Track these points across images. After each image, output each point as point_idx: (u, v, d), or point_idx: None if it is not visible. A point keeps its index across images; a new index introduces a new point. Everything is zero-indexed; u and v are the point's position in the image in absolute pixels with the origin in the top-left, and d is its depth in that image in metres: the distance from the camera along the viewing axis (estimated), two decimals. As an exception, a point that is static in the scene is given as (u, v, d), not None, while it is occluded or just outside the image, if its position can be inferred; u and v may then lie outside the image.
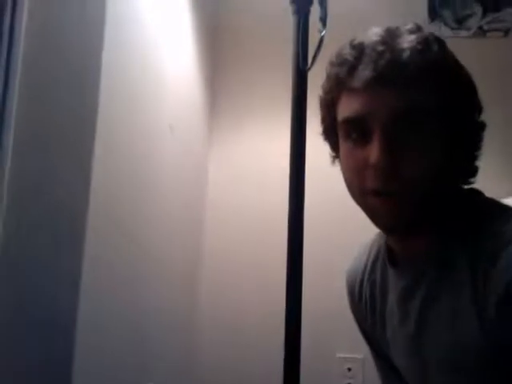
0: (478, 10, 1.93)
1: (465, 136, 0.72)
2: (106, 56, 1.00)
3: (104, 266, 1.03)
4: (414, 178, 0.68)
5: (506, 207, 0.72)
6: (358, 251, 0.94)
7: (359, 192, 0.73)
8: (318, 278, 1.69)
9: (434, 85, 0.69)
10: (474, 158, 0.74)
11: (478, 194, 0.76)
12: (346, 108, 0.72)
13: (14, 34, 0.79)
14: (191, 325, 1.83)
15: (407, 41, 0.69)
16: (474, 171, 0.75)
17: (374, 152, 0.67)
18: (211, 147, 2.02)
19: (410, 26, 0.72)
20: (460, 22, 1.93)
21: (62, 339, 0.88)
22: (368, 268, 0.88)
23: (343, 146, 0.75)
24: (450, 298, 0.69)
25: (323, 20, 1.06)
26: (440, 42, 0.72)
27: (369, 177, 0.69)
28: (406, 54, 0.67)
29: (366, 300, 0.89)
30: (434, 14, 1.94)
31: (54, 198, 0.90)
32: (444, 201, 0.72)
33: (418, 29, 0.72)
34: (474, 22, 1.94)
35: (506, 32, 1.93)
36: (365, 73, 0.68)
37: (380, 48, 0.68)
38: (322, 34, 1.06)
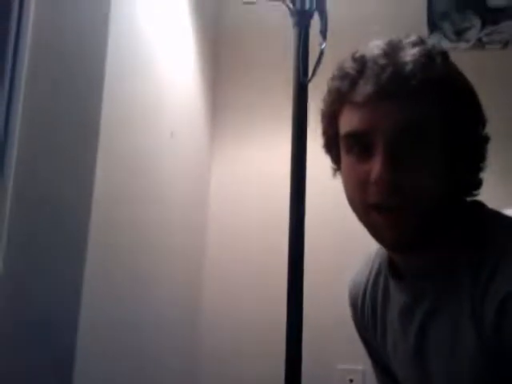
0: (477, 22, 1.95)
1: (468, 149, 0.71)
2: (109, 65, 1.02)
3: (105, 277, 1.03)
4: (417, 192, 0.67)
5: (508, 219, 0.72)
6: (361, 263, 0.93)
7: (361, 207, 0.72)
8: (318, 288, 1.69)
9: (437, 98, 0.68)
10: (478, 170, 0.73)
11: (480, 206, 0.75)
12: (348, 122, 0.71)
13: (19, 45, 0.80)
14: (192, 333, 1.83)
15: (410, 54, 0.68)
16: (478, 184, 0.74)
17: (376, 166, 0.66)
18: (213, 157, 2.03)
19: (412, 38, 0.72)
20: (459, 34, 1.95)
21: (63, 346, 0.88)
22: (371, 280, 0.88)
23: (345, 159, 0.74)
24: (451, 313, 0.68)
25: (323, 33, 1.08)
26: (443, 54, 0.71)
27: (371, 191, 0.68)
28: (408, 68, 0.66)
29: (367, 312, 0.88)
30: (433, 26, 1.96)
31: (57, 208, 0.90)
32: (447, 214, 0.71)
33: (421, 41, 0.71)
34: (472, 35, 1.95)
35: (505, 44, 1.95)
36: (367, 87, 0.67)
37: (382, 61, 0.67)
38: (323, 46, 1.07)
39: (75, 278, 0.91)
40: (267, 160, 1.98)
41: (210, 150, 2.00)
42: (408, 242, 0.70)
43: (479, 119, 0.73)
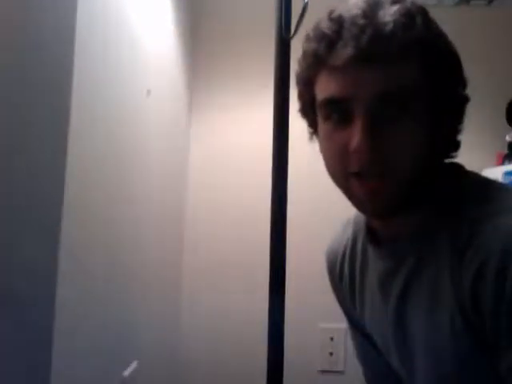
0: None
1: (450, 112, 0.70)
2: (80, 21, 0.96)
3: (82, 253, 1.01)
4: (398, 160, 0.65)
5: (487, 183, 0.71)
6: (337, 230, 0.92)
7: (340, 175, 0.69)
8: (301, 249, 1.70)
9: (419, 61, 0.65)
10: (458, 132, 0.72)
11: (459, 168, 0.74)
12: (326, 87, 0.67)
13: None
14: (175, 316, 1.83)
15: (389, 13, 0.64)
16: (456, 145, 0.73)
17: (356, 135, 0.64)
18: (191, 124, 1.99)
19: None
20: (444, -10, 1.91)
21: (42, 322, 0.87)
22: (348, 248, 0.87)
23: (322, 126, 0.71)
24: (431, 276, 0.68)
25: (307, -13, 1.03)
26: (423, 12, 0.67)
27: (351, 160, 0.66)
28: (388, 28, 0.63)
29: (345, 280, 0.88)
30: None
31: (26, 182, 0.87)
32: (428, 178, 0.69)
33: None
34: None
35: (490, 1, 1.92)
36: (346, 50, 0.63)
37: (361, 22, 0.63)
38: (306, 1, 1.03)
39: (49, 262, 0.88)
40: (248, 125, 1.95)
41: (189, 115, 1.95)
42: (390, 209, 0.68)
43: (461, 81, 0.71)
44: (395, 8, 0.65)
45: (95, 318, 1.07)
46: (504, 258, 0.57)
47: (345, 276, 0.88)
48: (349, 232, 0.88)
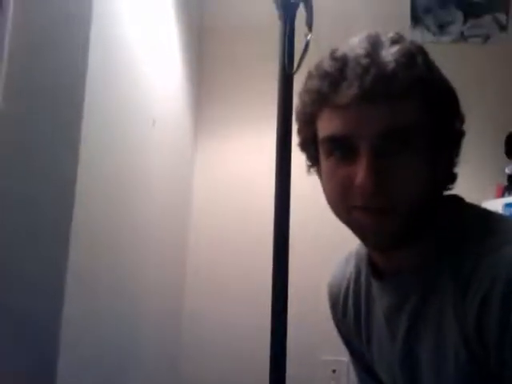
0: (459, 16, 1.97)
1: (449, 147, 0.72)
2: (92, 55, 1.00)
3: (88, 274, 1.02)
4: (402, 194, 0.66)
5: (487, 215, 0.72)
6: (338, 264, 0.91)
7: (344, 208, 0.70)
8: (303, 279, 1.70)
9: (420, 99, 0.67)
10: (455, 165, 0.74)
11: (459, 200, 0.75)
12: (329, 125, 0.68)
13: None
14: (176, 331, 1.83)
15: (391, 53, 0.66)
16: (453, 178, 0.74)
17: (361, 171, 0.65)
18: (196, 151, 2.02)
19: (391, 34, 0.69)
20: (442, 28, 1.97)
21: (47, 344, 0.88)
22: (352, 280, 0.86)
23: (325, 163, 0.72)
24: (435, 317, 0.68)
25: (309, 24, 1.08)
26: (423, 52, 0.70)
27: (355, 194, 0.67)
28: (390, 68, 0.65)
29: (350, 313, 0.87)
30: (416, 20, 1.97)
31: (37, 208, 0.90)
32: (428, 212, 0.70)
33: (400, 38, 0.69)
34: (455, 29, 1.97)
35: (486, 38, 1.97)
36: (351, 89, 0.65)
37: (364, 61, 0.65)
38: (308, 38, 1.07)
39: (57, 279, 0.90)
40: (252, 153, 1.98)
41: (194, 144, 1.99)
42: (392, 242, 0.69)
43: (458, 116, 0.72)
44: (396, 48, 0.67)
45: (99, 334, 1.07)
46: (508, 288, 0.58)
47: (349, 310, 0.87)
48: (351, 265, 0.87)
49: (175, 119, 1.73)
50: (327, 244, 1.83)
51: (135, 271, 1.32)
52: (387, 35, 0.69)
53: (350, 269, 0.87)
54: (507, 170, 1.79)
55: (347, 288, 0.87)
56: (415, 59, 0.67)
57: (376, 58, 0.66)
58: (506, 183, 1.78)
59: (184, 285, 1.91)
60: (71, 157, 0.94)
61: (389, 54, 0.66)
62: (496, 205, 1.63)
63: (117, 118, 1.17)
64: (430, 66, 0.70)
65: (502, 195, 1.76)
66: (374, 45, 0.67)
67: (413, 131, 0.66)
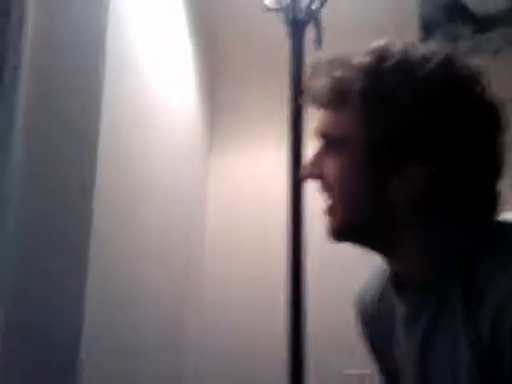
0: (468, 31, 1.99)
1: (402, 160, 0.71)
2: (108, 76, 1.03)
3: (106, 281, 1.04)
4: (331, 188, 0.72)
5: (502, 228, 0.71)
6: (370, 273, 0.91)
7: None
8: (322, 292, 1.69)
9: (359, 112, 0.70)
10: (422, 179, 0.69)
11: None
12: None
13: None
14: (193, 344, 1.83)
15: (350, 65, 0.71)
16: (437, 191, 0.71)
17: None
18: (210, 168, 2.05)
19: (380, 44, 0.71)
20: (451, 43, 1.98)
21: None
22: (378, 292, 0.86)
23: None
24: (448, 327, 0.68)
25: (318, 42, 1.10)
26: (395, 64, 0.69)
27: None
28: (331, 80, 0.71)
29: (375, 323, 0.87)
30: (426, 35, 1.99)
31: (58, 229, 0.92)
32: (387, 219, 0.71)
33: (379, 49, 0.71)
34: (464, 43, 1.99)
35: (496, 51, 1.99)
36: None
37: (327, 69, 0.72)
38: (318, 54, 1.09)
39: (78, 289, 0.92)
40: (264, 171, 2.00)
41: (207, 157, 2.02)
42: (335, 233, 0.73)
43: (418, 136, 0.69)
44: (357, 60, 0.69)
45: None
46: None
47: (375, 319, 0.87)
48: (380, 277, 0.87)
49: (189, 133, 1.76)
50: (346, 254, 1.82)
51: (148, 285, 1.34)
52: (378, 46, 0.71)
53: (378, 279, 0.87)
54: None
55: (373, 297, 0.87)
56: (370, 73, 0.68)
57: (335, 69, 0.70)
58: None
59: (201, 297, 1.92)
60: (89, 173, 0.96)
61: (348, 66, 0.69)
62: None
63: (132, 135, 1.20)
64: (382, 79, 0.68)
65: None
66: (349, 56, 0.70)
67: (338, 138, 0.70)
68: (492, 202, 0.73)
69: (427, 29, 2.00)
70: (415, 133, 0.68)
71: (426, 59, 0.69)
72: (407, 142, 0.68)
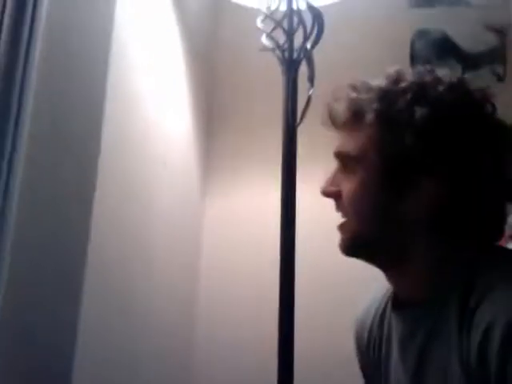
0: (458, 68, 2.04)
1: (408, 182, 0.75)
2: (108, 107, 1.06)
3: (100, 314, 1.05)
4: (347, 207, 0.76)
5: (503, 253, 0.73)
6: (371, 297, 0.93)
7: None
8: (311, 331, 1.69)
9: (372, 133, 0.74)
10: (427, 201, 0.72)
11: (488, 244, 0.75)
12: None
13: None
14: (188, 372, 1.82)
15: (362, 90, 0.76)
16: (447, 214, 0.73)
17: None
18: (205, 198, 2.06)
19: (391, 72, 0.76)
20: (441, 79, 2.03)
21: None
22: (378, 315, 0.87)
23: None
24: (442, 348, 0.69)
25: (311, 80, 1.14)
26: (406, 88, 0.72)
27: None
28: (346, 103, 0.76)
29: (373, 346, 0.88)
30: (416, 71, 2.04)
31: (55, 258, 0.93)
32: (398, 237, 0.74)
33: (390, 76, 0.76)
34: (450, 75, 2.04)
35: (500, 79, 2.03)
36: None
37: (343, 94, 0.78)
38: (310, 92, 1.13)
39: (72, 317, 0.93)
40: (259, 201, 2.01)
41: (203, 190, 2.04)
42: (345, 248, 0.77)
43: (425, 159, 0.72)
44: (369, 86, 0.74)
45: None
46: (508, 324, 0.59)
47: (373, 342, 0.87)
48: (382, 297, 0.89)
49: (185, 164, 1.78)
50: (334, 287, 1.83)
51: (145, 318, 1.34)
52: (390, 74, 0.75)
53: (380, 301, 0.88)
54: (510, 219, 1.80)
55: (373, 320, 0.88)
56: (384, 94, 0.72)
57: (352, 92, 0.75)
58: (510, 232, 1.79)
59: (193, 331, 1.91)
60: (86, 209, 0.98)
61: (364, 88, 0.74)
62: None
63: (131, 164, 1.23)
64: (405, 101, 0.71)
65: (506, 244, 1.76)
66: (366, 80, 0.76)
67: (354, 158, 0.74)
68: (499, 224, 0.75)
69: (417, 65, 2.05)
70: (427, 152, 0.70)
71: (438, 81, 0.72)
72: (419, 161, 0.70)
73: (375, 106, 0.71)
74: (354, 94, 0.74)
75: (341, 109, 0.75)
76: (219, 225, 2.04)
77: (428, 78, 0.73)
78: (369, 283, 0.89)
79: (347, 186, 0.75)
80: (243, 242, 1.99)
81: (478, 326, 0.62)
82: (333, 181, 0.78)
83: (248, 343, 1.89)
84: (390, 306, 0.83)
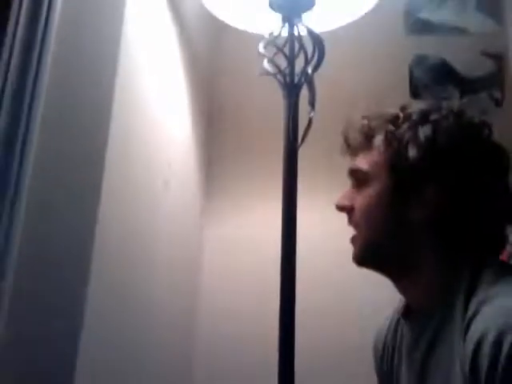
0: (455, 93, 2.08)
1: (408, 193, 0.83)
2: (114, 124, 1.08)
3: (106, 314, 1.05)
4: (358, 219, 0.84)
5: (505, 268, 0.76)
6: (385, 319, 0.98)
7: None
8: (312, 352, 1.69)
9: (380, 153, 0.85)
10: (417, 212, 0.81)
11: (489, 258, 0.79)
12: None
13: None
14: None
15: (369, 118, 0.88)
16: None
17: None
18: (205, 220, 2.07)
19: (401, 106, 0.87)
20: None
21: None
22: (392, 325, 0.93)
23: None
24: (445, 353, 0.73)
25: (312, 104, 1.16)
26: (405, 116, 0.84)
27: None
28: (356, 129, 0.89)
29: (387, 356, 0.93)
30: (415, 96, 2.08)
31: (54, 276, 0.94)
32: (407, 246, 0.80)
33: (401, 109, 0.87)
34: (451, 104, 2.07)
35: (483, 113, 2.07)
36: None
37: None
38: (311, 115, 1.15)
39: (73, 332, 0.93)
40: (259, 224, 2.02)
41: (204, 206, 2.05)
42: (358, 258, 0.85)
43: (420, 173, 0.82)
44: (375, 114, 0.86)
45: None
46: (499, 335, 0.63)
47: (386, 351, 0.93)
48: (395, 318, 0.94)
49: (186, 181, 1.80)
50: (333, 306, 1.83)
51: (143, 337, 1.34)
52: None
53: (395, 313, 0.94)
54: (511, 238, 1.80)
55: (389, 329, 0.94)
56: (391, 120, 0.83)
57: (364, 120, 0.86)
58: (511, 250, 1.80)
59: (194, 346, 1.90)
60: (89, 219, 0.99)
61: (374, 116, 0.85)
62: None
63: (134, 179, 1.24)
64: (409, 125, 0.82)
65: (508, 261, 1.77)
66: (376, 110, 0.87)
67: (366, 173, 0.83)
68: (499, 237, 0.82)
69: (416, 90, 2.09)
70: (428, 163, 0.79)
71: (439, 108, 0.84)
72: (422, 172, 0.79)
73: (384, 128, 0.82)
74: (365, 121, 0.85)
75: (354, 135, 0.85)
76: (221, 226, 2.04)
77: (431, 106, 0.84)
78: (370, 279, 0.94)
79: (360, 200, 0.83)
80: (245, 239, 2.00)
81: (472, 337, 0.66)
82: (346, 196, 0.87)
83: (249, 335, 1.87)
84: (401, 318, 0.89)
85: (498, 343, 0.62)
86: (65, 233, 0.97)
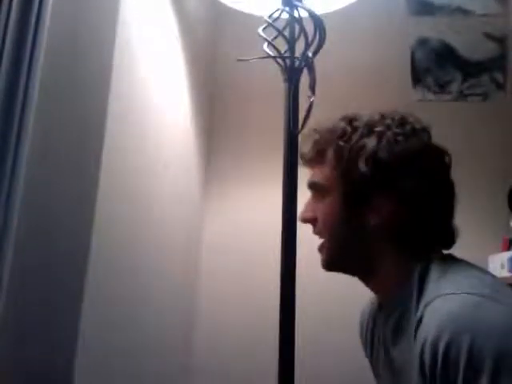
0: (458, 76, 2.06)
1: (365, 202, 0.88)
2: (111, 108, 1.07)
3: (102, 307, 1.05)
4: (319, 227, 0.90)
5: (452, 266, 0.81)
6: (365, 305, 1.05)
7: None
8: (311, 333, 1.70)
9: (333, 166, 0.89)
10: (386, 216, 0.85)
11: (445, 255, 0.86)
12: None
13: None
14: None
15: (323, 130, 0.93)
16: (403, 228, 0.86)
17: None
18: (205, 205, 2.07)
19: (351, 115, 0.91)
20: (442, 87, 2.05)
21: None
22: (373, 311, 1.00)
23: None
24: (404, 347, 0.81)
25: (312, 87, 1.14)
26: (365, 126, 0.88)
27: None
28: (311, 143, 0.93)
29: (369, 341, 1.00)
30: (417, 80, 2.06)
31: (53, 272, 0.94)
32: (366, 250, 0.86)
33: (351, 118, 0.91)
34: (454, 87, 2.05)
35: (485, 96, 2.05)
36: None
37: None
38: (311, 100, 1.14)
39: (71, 335, 0.93)
40: (259, 208, 2.02)
41: (203, 192, 2.05)
42: (325, 264, 0.91)
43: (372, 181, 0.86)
44: (329, 127, 0.90)
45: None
46: (436, 337, 0.70)
47: (370, 338, 1.00)
48: (372, 306, 1.01)
49: (186, 167, 1.79)
50: (334, 292, 1.84)
51: (140, 326, 1.34)
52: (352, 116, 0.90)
53: (373, 304, 1.01)
54: (512, 224, 1.80)
55: (369, 316, 1.01)
56: (340, 134, 0.88)
57: (316, 134, 0.91)
58: (511, 237, 1.79)
59: (191, 338, 1.91)
60: (88, 211, 0.99)
61: (325, 130, 0.90)
62: (502, 258, 1.64)
63: (133, 165, 1.24)
64: (357, 137, 0.87)
65: (508, 249, 1.76)
66: (327, 123, 0.91)
67: (322, 186, 0.89)
68: (445, 235, 0.88)
69: (418, 73, 2.07)
70: (375, 173, 0.85)
71: (384, 117, 0.89)
72: (370, 181, 0.85)
73: (334, 144, 0.88)
74: (317, 136, 0.90)
75: (308, 149, 0.92)
76: (219, 220, 2.05)
77: (377, 117, 0.89)
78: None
79: (320, 210, 0.90)
80: (245, 231, 2.00)
81: (419, 338, 0.74)
82: (308, 208, 0.92)
83: (249, 329, 1.89)
84: (376, 309, 0.97)
85: (435, 344, 0.70)
86: (64, 228, 0.97)
